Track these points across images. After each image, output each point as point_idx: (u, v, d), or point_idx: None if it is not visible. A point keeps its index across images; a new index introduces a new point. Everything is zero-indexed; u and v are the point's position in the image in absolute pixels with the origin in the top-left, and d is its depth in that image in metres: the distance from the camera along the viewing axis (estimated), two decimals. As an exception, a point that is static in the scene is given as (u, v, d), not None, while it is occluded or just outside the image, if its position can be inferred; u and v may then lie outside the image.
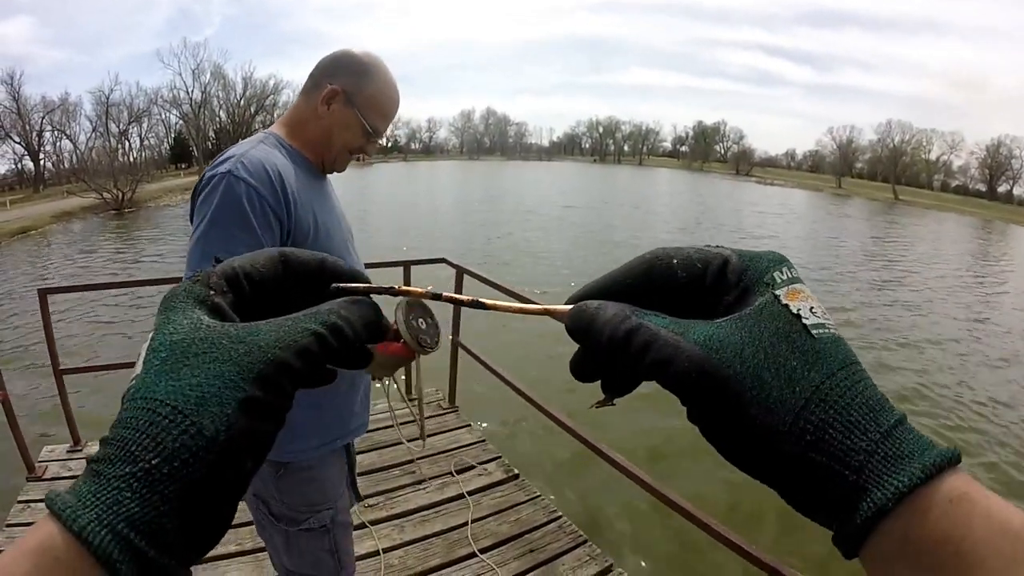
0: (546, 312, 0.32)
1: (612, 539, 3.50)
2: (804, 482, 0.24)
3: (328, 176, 1.34)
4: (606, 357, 0.28)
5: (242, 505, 1.28)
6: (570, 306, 0.30)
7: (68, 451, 2.90)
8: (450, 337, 3.47)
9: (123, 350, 7.41)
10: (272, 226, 1.07)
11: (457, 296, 0.32)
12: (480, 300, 0.33)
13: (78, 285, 4.60)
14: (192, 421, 0.23)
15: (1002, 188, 73.54)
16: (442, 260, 3.52)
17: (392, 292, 0.33)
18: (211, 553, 1.96)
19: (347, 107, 1.18)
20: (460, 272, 3.36)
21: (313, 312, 0.28)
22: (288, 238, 1.11)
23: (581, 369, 0.31)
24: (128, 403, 0.24)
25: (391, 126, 1.30)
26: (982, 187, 75.32)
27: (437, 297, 0.34)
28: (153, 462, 0.22)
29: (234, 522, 0.25)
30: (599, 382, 0.32)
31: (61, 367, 2.81)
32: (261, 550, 2.11)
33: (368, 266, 3.42)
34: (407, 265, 3.45)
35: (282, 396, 0.26)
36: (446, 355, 3.56)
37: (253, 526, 1.38)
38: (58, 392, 2.83)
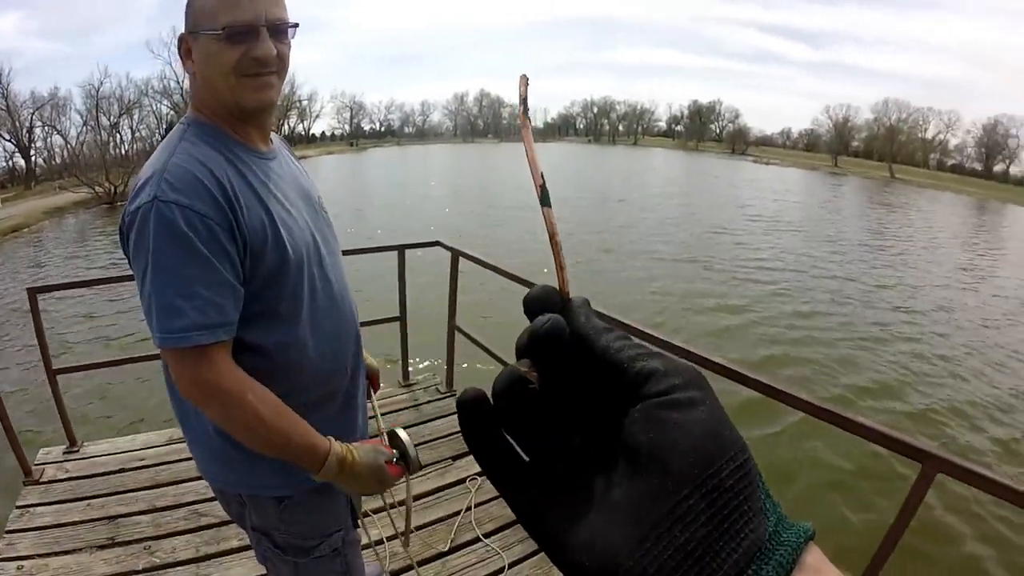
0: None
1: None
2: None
3: (280, 145, 1.16)
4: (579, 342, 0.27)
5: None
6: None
7: (64, 452, 2.80)
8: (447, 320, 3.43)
9: (118, 348, 7.33)
10: (226, 247, 0.91)
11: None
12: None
13: (68, 283, 4.15)
14: None
15: (998, 167, 73.24)
16: (437, 243, 3.45)
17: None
18: (212, 550, 1.89)
19: (197, 40, 0.96)
20: (456, 255, 3.29)
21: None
22: (246, 252, 0.95)
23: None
24: None
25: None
26: (978, 166, 75.00)
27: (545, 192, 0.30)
28: None
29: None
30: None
31: (54, 367, 2.72)
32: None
33: (362, 251, 3.37)
34: (402, 249, 3.37)
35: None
36: (442, 339, 3.52)
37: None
38: (52, 393, 2.74)
